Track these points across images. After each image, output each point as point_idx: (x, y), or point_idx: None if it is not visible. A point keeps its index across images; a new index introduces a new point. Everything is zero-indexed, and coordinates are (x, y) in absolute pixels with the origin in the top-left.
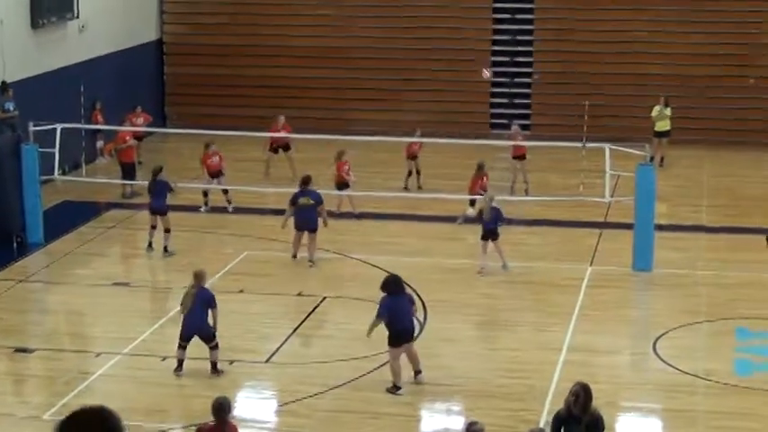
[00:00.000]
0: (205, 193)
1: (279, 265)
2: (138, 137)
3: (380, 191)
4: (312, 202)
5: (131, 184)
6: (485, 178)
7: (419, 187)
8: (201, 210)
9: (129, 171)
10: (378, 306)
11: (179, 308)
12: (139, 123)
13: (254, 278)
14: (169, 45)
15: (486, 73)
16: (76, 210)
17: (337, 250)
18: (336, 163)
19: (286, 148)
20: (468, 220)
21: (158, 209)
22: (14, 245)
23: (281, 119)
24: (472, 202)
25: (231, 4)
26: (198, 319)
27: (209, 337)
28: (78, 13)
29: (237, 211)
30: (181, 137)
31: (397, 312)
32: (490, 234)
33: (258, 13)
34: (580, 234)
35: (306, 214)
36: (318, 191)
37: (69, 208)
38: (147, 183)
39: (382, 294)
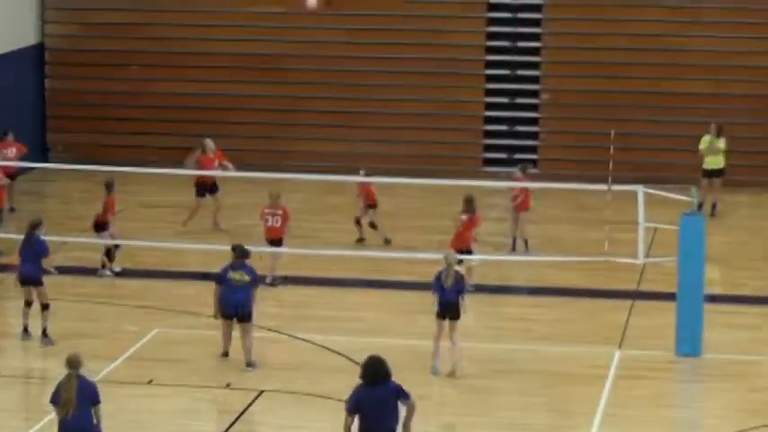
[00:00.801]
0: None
1: (200, 347)
2: (10, 174)
3: (334, 248)
4: (248, 278)
5: None
6: (478, 220)
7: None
8: (106, 272)
9: None
10: (348, 398)
11: (56, 409)
12: (11, 156)
13: (168, 364)
14: (52, 52)
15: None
16: None
17: (276, 328)
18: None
19: (213, 188)
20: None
21: (31, 277)
22: None
23: (209, 144)
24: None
25: None
26: (82, 420)
27: None
28: None
29: (145, 275)
30: (68, 175)
31: (374, 410)
32: (449, 310)
33: (172, 9)
34: (605, 307)
35: (239, 295)
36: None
37: None
38: (15, 237)
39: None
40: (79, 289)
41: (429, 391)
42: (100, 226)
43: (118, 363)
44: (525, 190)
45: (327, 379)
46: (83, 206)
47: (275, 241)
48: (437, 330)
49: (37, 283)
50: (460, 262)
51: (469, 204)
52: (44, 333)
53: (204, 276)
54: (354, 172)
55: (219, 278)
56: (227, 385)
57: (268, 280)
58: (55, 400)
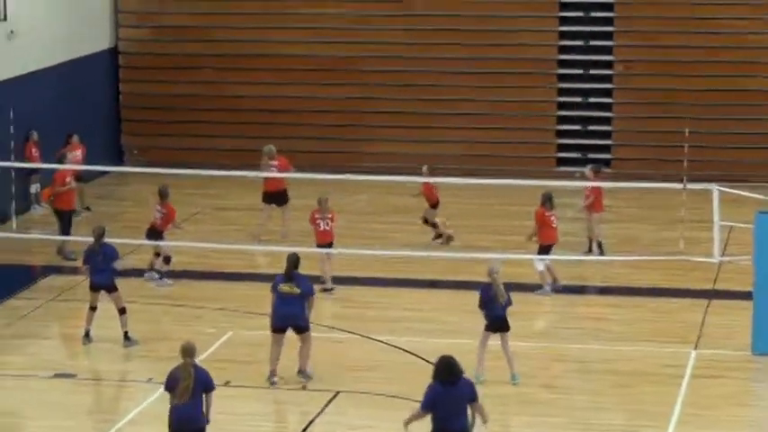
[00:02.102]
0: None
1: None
2: (78, 176)
3: (407, 248)
4: (298, 291)
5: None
6: (553, 218)
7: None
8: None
9: (69, 221)
10: (424, 395)
11: (171, 396)
12: (79, 159)
13: (244, 366)
14: (126, 55)
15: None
16: (5, 277)
17: (350, 329)
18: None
19: (281, 198)
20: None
21: (104, 285)
22: None
23: (271, 151)
24: (543, 251)
25: (208, 0)
26: (194, 407)
27: None
28: (6, 15)
29: (221, 277)
30: (143, 178)
31: (448, 409)
32: (500, 324)
33: (244, 12)
34: (681, 306)
35: (289, 308)
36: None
37: None
38: (81, 241)
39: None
40: (155, 291)
41: (507, 390)
42: (157, 234)
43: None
44: (597, 191)
45: (402, 379)
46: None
47: (327, 245)
48: (483, 340)
49: (111, 289)
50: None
51: (548, 202)
52: (126, 336)
53: (272, 278)
54: (434, 174)
55: (273, 289)
56: (304, 387)
57: (328, 285)
58: (171, 387)
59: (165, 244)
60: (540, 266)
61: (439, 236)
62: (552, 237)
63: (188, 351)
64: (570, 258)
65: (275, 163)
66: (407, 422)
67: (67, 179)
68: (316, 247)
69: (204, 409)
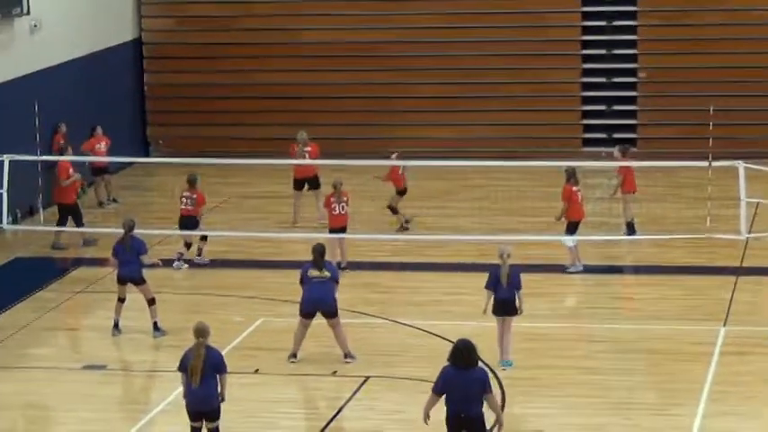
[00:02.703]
0: (188, 244)
1: (306, 336)
2: (103, 168)
3: (438, 232)
4: (327, 274)
5: (79, 232)
6: (579, 194)
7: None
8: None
9: (72, 214)
10: (436, 378)
11: (183, 376)
12: (103, 150)
13: (274, 354)
14: (150, 46)
15: None
16: (33, 269)
17: (379, 314)
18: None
19: (314, 183)
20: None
21: (131, 277)
22: None
23: (303, 137)
24: (572, 228)
25: None
26: (208, 388)
27: (216, 414)
28: (29, 8)
29: (249, 265)
30: (169, 168)
31: (461, 394)
32: (508, 308)
33: (268, 0)
34: (709, 284)
35: (320, 293)
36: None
37: (23, 267)
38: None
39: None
40: (184, 281)
41: (539, 373)
42: (193, 220)
43: (225, 352)
44: (627, 170)
45: (432, 363)
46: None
47: (341, 230)
48: (498, 327)
49: (138, 281)
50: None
51: (569, 175)
52: (155, 326)
53: (300, 265)
54: (457, 157)
55: (301, 276)
56: (334, 373)
57: (343, 265)
58: (183, 367)
59: (190, 233)
60: (570, 243)
61: (405, 224)
62: (580, 213)
63: (200, 331)
64: (599, 238)
65: (308, 149)
66: (426, 410)
67: (70, 171)
68: (328, 232)
69: (219, 390)
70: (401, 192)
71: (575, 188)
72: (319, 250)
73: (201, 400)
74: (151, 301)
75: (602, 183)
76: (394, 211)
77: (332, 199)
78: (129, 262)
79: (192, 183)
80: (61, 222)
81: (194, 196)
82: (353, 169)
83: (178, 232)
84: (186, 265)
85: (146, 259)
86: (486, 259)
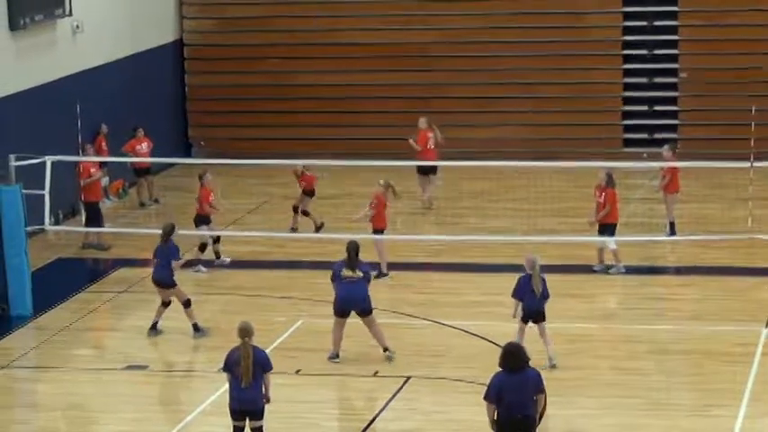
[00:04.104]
0: (216, 240)
1: (346, 336)
2: (145, 168)
3: (477, 233)
4: (360, 273)
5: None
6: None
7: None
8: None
9: (95, 214)
10: (488, 385)
11: (229, 376)
12: (144, 152)
13: (315, 354)
14: (191, 47)
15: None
16: (74, 270)
17: (420, 314)
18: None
19: (432, 170)
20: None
21: (163, 281)
22: None
23: (423, 122)
24: (611, 229)
25: None
26: (255, 387)
27: (260, 414)
28: (71, 9)
29: (287, 266)
30: (211, 169)
31: (514, 397)
32: (539, 316)
33: (307, 1)
34: (750, 284)
35: (353, 292)
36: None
37: (65, 268)
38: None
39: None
40: (224, 282)
41: (581, 374)
42: (200, 219)
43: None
44: (673, 170)
45: (473, 364)
46: (225, 200)
47: (380, 231)
48: (520, 334)
49: (169, 285)
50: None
51: (611, 179)
52: (195, 327)
53: None
54: (497, 157)
55: (332, 275)
56: (375, 373)
57: (384, 270)
58: (227, 367)
59: (234, 234)
60: (614, 245)
61: (294, 229)
62: (617, 215)
63: (245, 331)
64: (642, 239)
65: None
66: (490, 419)
67: (92, 170)
68: (372, 233)
69: (264, 390)
70: (311, 193)
71: (617, 191)
72: (354, 247)
73: (248, 399)
74: (186, 303)
75: (644, 183)
76: (305, 213)
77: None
78: (162, 266)
79: (199, 179)
80: (88, 221)
81: (198, 194)
82: (392, 170)
83: (216, 233)
84: (205, 269)
85: (176, 266)
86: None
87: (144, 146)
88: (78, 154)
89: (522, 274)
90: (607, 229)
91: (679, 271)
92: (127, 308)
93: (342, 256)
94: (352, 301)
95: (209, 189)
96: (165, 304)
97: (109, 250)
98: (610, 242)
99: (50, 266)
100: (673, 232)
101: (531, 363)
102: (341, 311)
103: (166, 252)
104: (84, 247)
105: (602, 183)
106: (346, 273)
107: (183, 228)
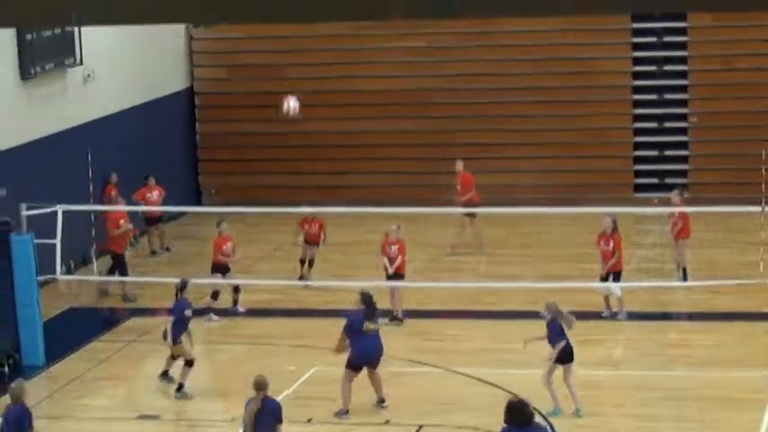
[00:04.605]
0: (236, 289)
1: (358, 384)
2: (156, 217)
3: (489, 280)
4: (378, 326)
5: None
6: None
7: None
8: (241, 309)
9: (122, 265)
10: None
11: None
12: (155, 200)
13: (328, 403)
14: (202, 95)
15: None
16: (86, 319)
17: (432, 362)
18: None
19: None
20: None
21: (166, 336)
22: (6, 368)
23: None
24: (618, 276)
25: (281, 38)
26: None
27: None
28: (82, 58)
29: (301, 314)
30: (222, 217)
31: None
32: (570, 355)
33: (316, 49)
34: (763, 329)
35: (376, 345)
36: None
37: (77, 317)
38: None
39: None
40: (236, 330)
41: (593, 421)
42: (216, 268)
43: (279, 401)
44: (684, 215)
45: (485, 412)
46: (237, 249)
47: (398, 276)
48: (550, 374)
49: (174, 341)
50: None
51: (616, 225)
52: (179, 387)
53: None
54: (507, 204)
55: (352, 328)
56: (387, 422)
57: (399, 315)
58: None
59: (229, 282)
60: (619, 292)
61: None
62: (623, 261)
63: (258, 385)
64: (655, 285)
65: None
66: None
67: (121, 221)
68: (386, 279)
69: None
70: (313, 242)
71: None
72: (373, 299)
73: None
74: (188, 363)
75: (654, 229)
76: (311, 263)
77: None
78: (172, 321)
79: (217, 226)
80: (111, 270)
81: (214, 243)
82: (404, 217)
83: (227, 281)
84: (217, 318)
85: (176, 321)
86: (538, 306)
87: (155, 194)
88: (90, 202)
89: (548, 319)
90: (614, 275)
91: (691, 317)
92: (138, 357)
93: (348, 304)
94: (374, 355)
95: (224, 238)
96: (174, 357)
97: (136, 301)
98: (615, 289)
99: (62, 316)
100: (685, 278)
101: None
102: (360, 365)
103: (174, 307)
104: (102, 294)
105: (607, 230)
106: (369, 326)
107: (195, 276)
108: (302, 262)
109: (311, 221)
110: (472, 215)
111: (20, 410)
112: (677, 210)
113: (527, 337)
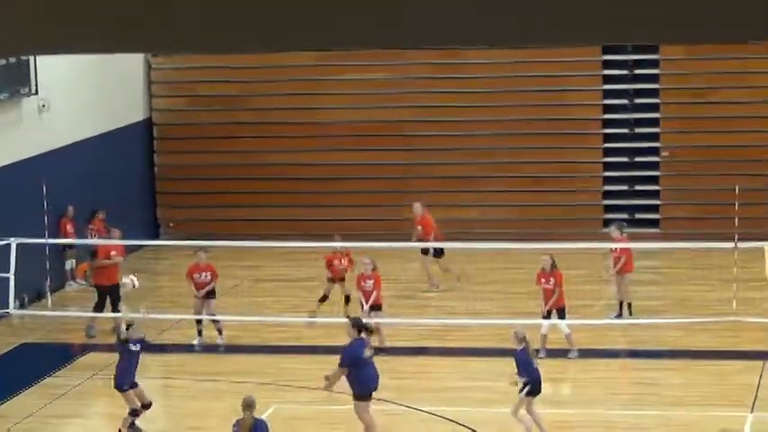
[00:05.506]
0: (199, 321)
1: (319, 422)
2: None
3: (455, 317)
4: (373, 353)
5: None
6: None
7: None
8: (195, 343)
9: (111, 297)
10: None
11: None
12: (116, 235)
13: None
14: (161, 127)
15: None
16: (40, 355)
17: (396, 399)
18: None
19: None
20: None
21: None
22: None
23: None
24: (559, 314)
25: (244, 69)
26: None
27: None
28: (37, 88)
29: (263, 350)
30: (180, 251)
31: None
32: (540, 386)
33: (279, 80)
34: (735, 369)
35: (375, 371)
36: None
37: (30, 353)
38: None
39: None
40: (197, 367)
41: None
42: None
43: (266, 420)
44: (627, 251)
45: None
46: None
47: (378, 308)
48: (529, 407)
49: (118, 389)
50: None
51: (554, 262)
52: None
53: (315, 350)
54: (474, 239)
55: (354, 359)
56: None
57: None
58: None
59: (205, 317)
60: (566, 329)
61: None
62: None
63: (248, 404)
64: (621, 322)
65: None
66: None
67: (112, 253)
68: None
69: None
70: (340, 279)
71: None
72: (368, 325)
73: None
74: (145, 405)
75: (608, 265)
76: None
77: (362, 281)
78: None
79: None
80: (98, 306)
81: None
82: (369, 252)
83: (188, 316)
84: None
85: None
86: (505, 344)
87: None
88: (44, 236)
89: (517, 350)
90: (558, 312)
91: (662, 354)
92: (94, 394)
93: (307, 340)
94: (378, 381)
95: (199, 266)
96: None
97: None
98: (563, 326)
99: (15, 351)
100: (630, 313)
101: None
102: (369, 393)
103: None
104: (88, 338)
105: (546, 268)
106: (368, 353)
107: (153, 311)
108: (323, 300)
109: (341, 256)
110: (440, 252)
111: None
112: (617, 246)
113: (511, 379)
